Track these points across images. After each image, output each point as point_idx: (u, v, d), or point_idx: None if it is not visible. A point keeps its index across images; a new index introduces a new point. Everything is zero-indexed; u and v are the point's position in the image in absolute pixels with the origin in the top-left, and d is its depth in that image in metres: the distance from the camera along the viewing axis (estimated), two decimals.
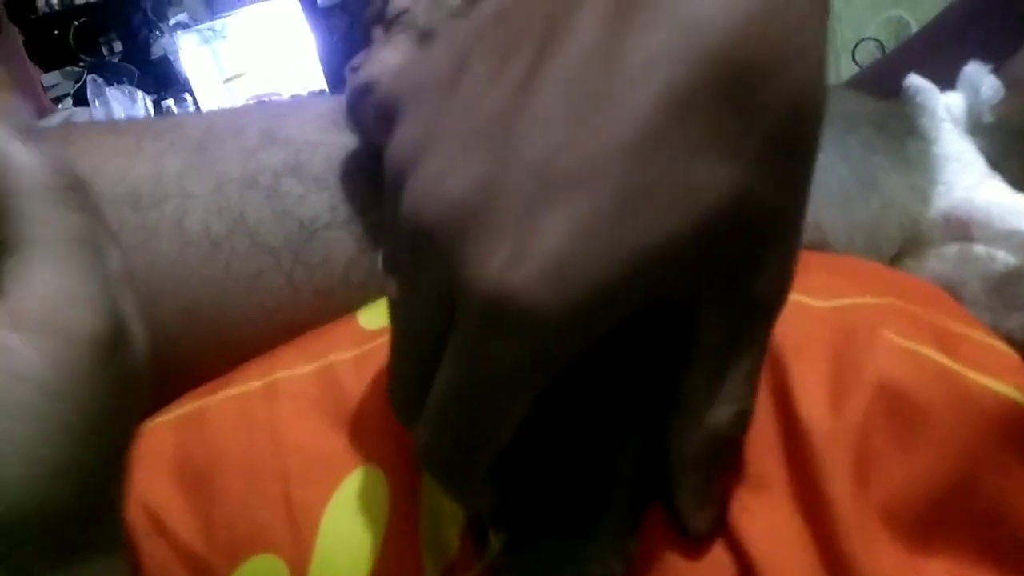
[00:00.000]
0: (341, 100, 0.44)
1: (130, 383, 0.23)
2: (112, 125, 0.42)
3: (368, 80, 0.41)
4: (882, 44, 2.31)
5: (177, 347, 0.39)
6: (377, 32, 0.44)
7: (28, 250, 0.21)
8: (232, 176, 0.41)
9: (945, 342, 0.30)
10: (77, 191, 0.22)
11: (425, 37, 0.41)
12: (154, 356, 0.39)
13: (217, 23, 2.78)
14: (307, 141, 0.44)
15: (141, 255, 0.38)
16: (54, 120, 2.93)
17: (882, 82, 0.54)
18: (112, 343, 0.22)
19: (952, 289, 0.37)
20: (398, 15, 0.42)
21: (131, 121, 0.44)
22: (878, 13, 2.31)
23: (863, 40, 2.32)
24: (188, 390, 0.39)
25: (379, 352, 0.36)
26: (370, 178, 0.44)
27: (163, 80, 2.99)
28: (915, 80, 0.44)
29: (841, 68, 2.37)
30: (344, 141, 0.45)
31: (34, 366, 0.20)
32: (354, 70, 0.41)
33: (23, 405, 0.20)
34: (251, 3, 2.76)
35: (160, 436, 0.37)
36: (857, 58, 2.33)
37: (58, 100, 3.18)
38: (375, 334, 0.37)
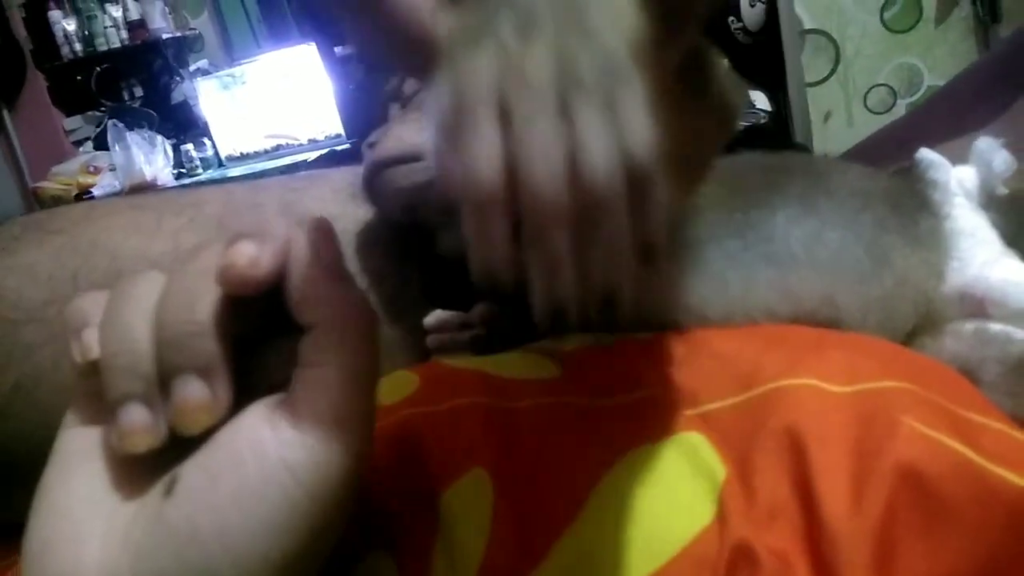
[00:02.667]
0: (358, 173, 0.44)
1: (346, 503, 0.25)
2: (134, 201, 0.43)
3: (385, 157, 0.41)
4: (894, 90, 2.33)
5: None
6: (394, 109, 0.44)
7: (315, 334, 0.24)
8: None
9: (965, 432, 0.30)
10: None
11: None
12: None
13: (236, 69, 2.83)
14: (324, 215, 0.45)
15: None
16: (75, 163, 2.98)
17: (891, 150, 0.55)
18: (358, 469, 0.24)
19: (970, 371, 0.37)
20: (414, 93, 0.43)
21: (153, 196, 0.45)
22: (889, 60, 2.33)
23: (875, 87, 2.33)
24: None
25: (391, 429, 0.36)
26: (386, 250, 0.45)
27: (182, 125, 3.04)
28: (926, 154, 0.44)
29: (854, 114, 2.38)
30: (360, 214, 0.45)
31: (304, 465, 0.23)
32: (371, 147, 0.42)
33: (283, 495, 0.22)
34: (270, 50, 2.82)
35: None
36: (869, 104, 2.34)
37: (79, 144, 3.24)
38: (389, 409, 0.37)
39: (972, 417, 0.31)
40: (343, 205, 0.46)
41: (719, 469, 0.31)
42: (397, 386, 0.39)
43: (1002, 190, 0.43)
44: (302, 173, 0.52)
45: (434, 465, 0.34)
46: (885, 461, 0.29)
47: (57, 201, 2.85)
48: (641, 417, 0.34)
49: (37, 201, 2.98)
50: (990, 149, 0.43)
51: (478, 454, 0.34)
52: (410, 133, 0.42)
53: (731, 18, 1.80)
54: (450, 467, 0.33)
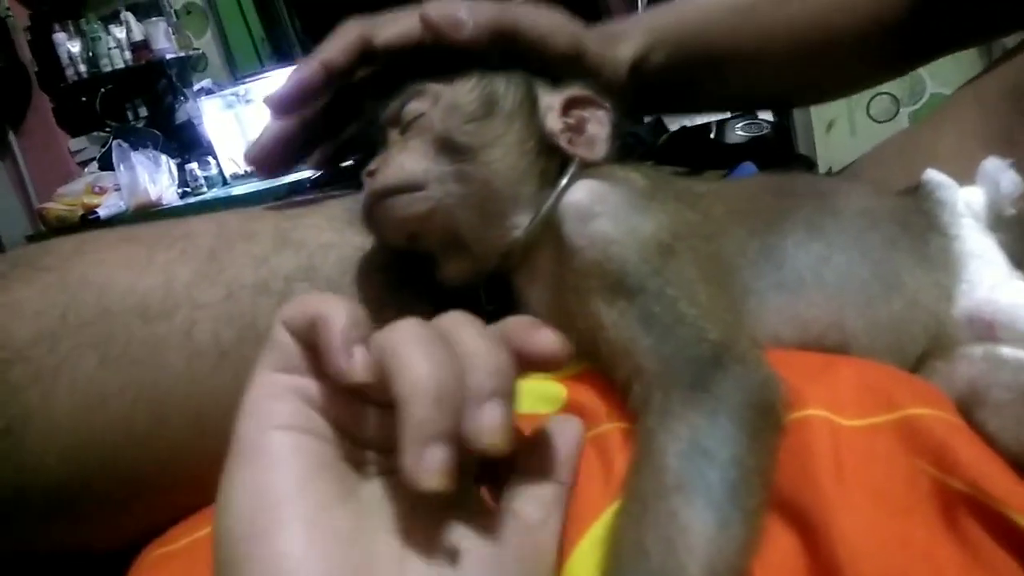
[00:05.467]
0: (357, 200, 0.44)
1: None
2: (125, 233, 0.43)
3: (386, 186, 0.41)
4: (896, 99, 2.32)
5: (185, 461, 0.39)
6: (393, 135, 0.44)
7: None
8: (243, 283, 0.41)
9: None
10: None
11: (441, 143, 0.41)
12: (161, 470, 0.39)
13: (240, 88, 2.85)
14: (320, 244, 0.44)
15: (148, 368, 0.38)
16: (80, 184, 2.99)
17: (893, 165, 0.54)
18: None
19: (978, 394, 0.36)
20: (414, 119, 0.43)
21: (145, 227, 0.44)
22: None
23: (877, 95, 2.32)
24: (196, 504, 0.38)
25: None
26: (385, 278, 0.44)
27: (187, 144, 3.06)
28: (933, 175, 0.43)
29: (856, 123, 2.37)
30: (358, 242, 0.45)
31: None
32: (371, 175, 0.41)
33: None
34: (273, 68, 2.83)
35: (169, 570, 0.35)
36: (872, 113, 2.33)
37: (85, 164, 3.25)
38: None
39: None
40: (339, 233, 0.45)
41: None
42: None
43: (1010, 211, 0.42)
44: (297, 199, 0.51)
45: None
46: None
47: (62, 222, 2.87)
48: None
49: (43, 222, 2.99)
50: (997, 170, 0.42)
51: None
52: (410, 161, 0.41)
53: None
54: None
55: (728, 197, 0.42)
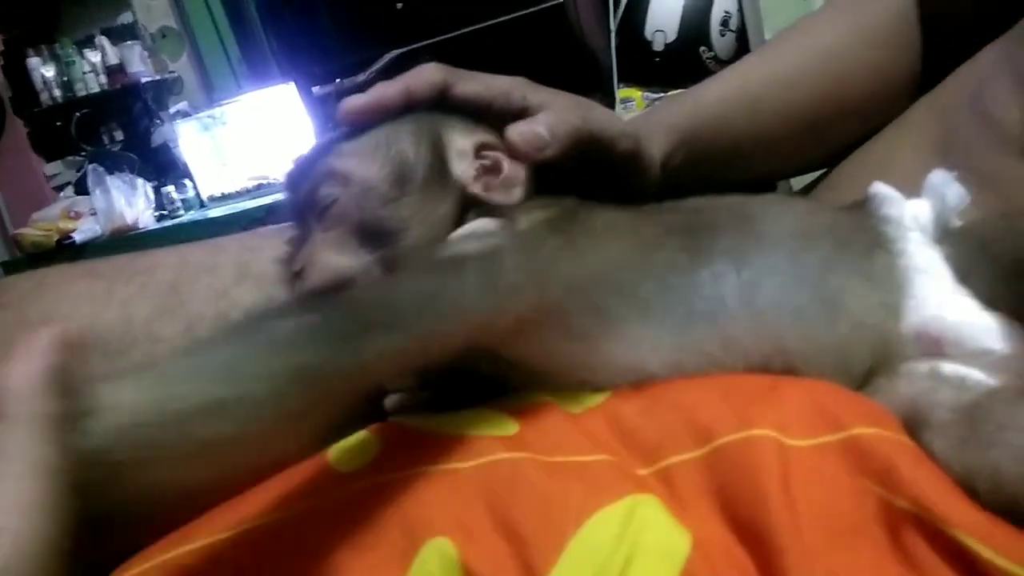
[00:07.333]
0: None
1: None
2: (88, 268, 0.43)
3: (316, 288, 0.40)
4: None
5: (144, 497, 0.38)
6: (310, 220, 0.43)
7: None
8: (203, 316, 0.41)
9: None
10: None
11: (361, 232, 0.41)
12: (115, 505, 0.38)
13: (216, 110, 2.84)
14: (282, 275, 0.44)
15: None
16: (55, 209, 2.97)
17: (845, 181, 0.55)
18: None
19: (922, 413, 0.36)
20: (328, 205, 0.42)
21: (107, 262, 0.44)
22: None
23: None
24: (149, 537, 0.38)
25: (352, 499, 0.35)
26: None
27: (163, 167, 3.04)
28: (881, 188, 0.44)
29: None
30: None
31: None
32: (297, 275, 0.41)
33: None
34: (250, 90, 2.82)
35: None
36: None
37: (60, 189, 3.23)
38: (348, 478, 0.36)
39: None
40: None
41: (681, 542, 0.30)
42: (358, 451, 0.38)
43: (956, 223, 0.43)
44: (260, 230, 0.51)
45: (395, 539, 0.33)
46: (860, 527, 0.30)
47: (38, 247, 2.84)
48: (595, 480, 0.33)
49: (18, 248, 2.96)
50: (943, 182, 0.43)
51: (440, 524, 0.33)
52: (336, 257, 0.41)
53: (702, 48, 1.82)
54: (411, 541, 0.33)
55: (639, 233, 0.42)
